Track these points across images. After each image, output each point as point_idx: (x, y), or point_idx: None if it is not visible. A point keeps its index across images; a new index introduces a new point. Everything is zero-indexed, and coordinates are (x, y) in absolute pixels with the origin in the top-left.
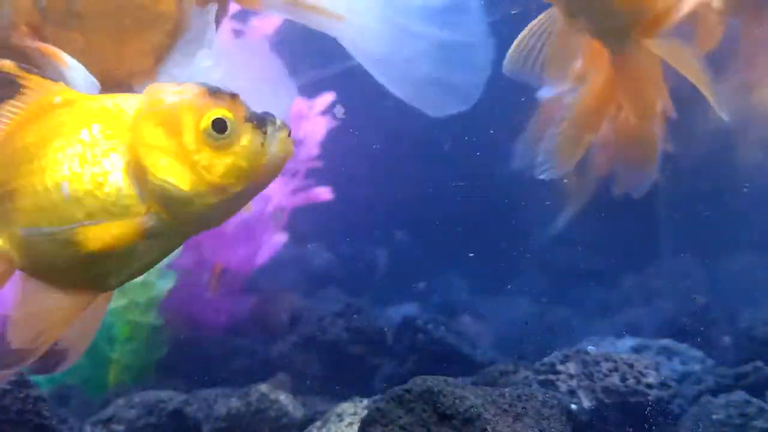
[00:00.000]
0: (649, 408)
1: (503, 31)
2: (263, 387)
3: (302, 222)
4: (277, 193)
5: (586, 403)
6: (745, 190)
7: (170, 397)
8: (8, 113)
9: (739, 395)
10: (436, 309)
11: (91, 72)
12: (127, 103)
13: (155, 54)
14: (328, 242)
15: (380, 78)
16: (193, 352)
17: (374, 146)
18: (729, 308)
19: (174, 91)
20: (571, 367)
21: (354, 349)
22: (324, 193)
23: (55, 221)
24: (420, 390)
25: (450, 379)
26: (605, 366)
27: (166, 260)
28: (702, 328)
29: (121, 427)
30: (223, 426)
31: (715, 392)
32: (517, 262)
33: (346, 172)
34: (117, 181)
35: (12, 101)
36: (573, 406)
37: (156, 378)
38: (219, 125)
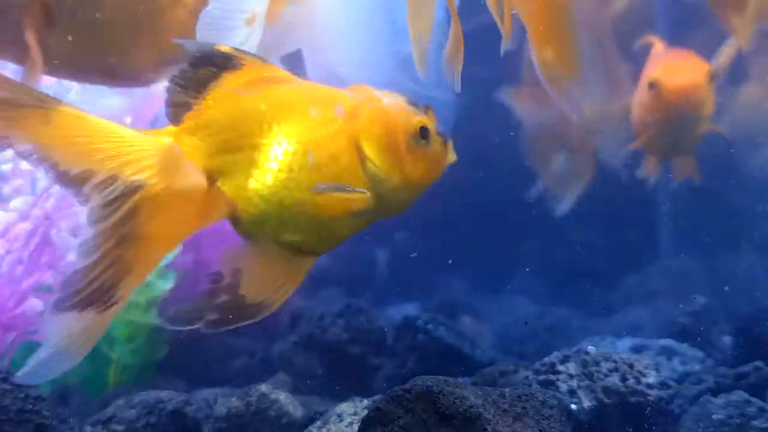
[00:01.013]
0: (649, 408)
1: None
2: (263, 387)
3: None
4: None
5: (586, 403)
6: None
7: (170, 397)
8: (231, 80)
9: (739, 395)
10: (436, 309)
11: (98, 64)
12: (335, 93)
13: (163, 54)
14: None
15: None
16: (194, 352)
17: None
18: (729, 308)
19: (385, 94)
20: (571, 367)
21: (354, 349)
22: None
23: (301, 182)
24: (420, 390)
25: (450, 379)
26: (605, 366)
27: (165, 260)
28: (702, 328)
29: (121, 427)
30: (223, 426)
31: (715, 392)
32: (517, 262)
33: None
34: (346, 161)
35: (232, 71)
36: (573, 406)
37: (156, 378)
38: (424, 132)
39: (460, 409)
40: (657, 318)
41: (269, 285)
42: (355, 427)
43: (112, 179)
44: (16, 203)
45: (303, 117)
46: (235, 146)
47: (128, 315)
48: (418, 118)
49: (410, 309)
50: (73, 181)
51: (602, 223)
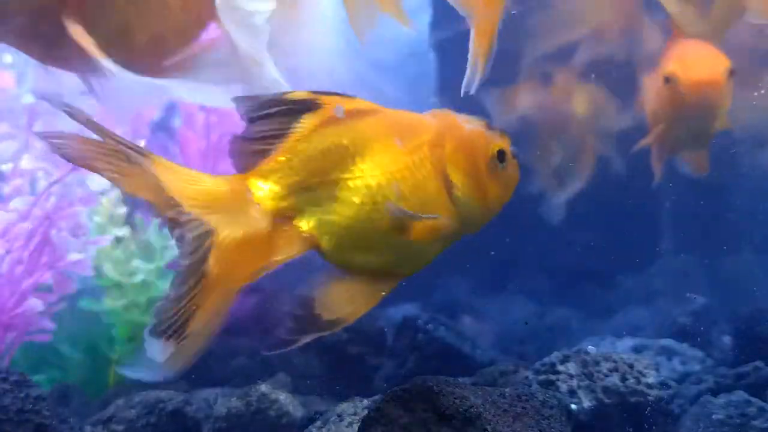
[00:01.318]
0: (649, 408)
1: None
2: (263, 387)
3: None
4: None
5: (586, 403)
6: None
7: (170, 397)
8: (310, 120)
9: (739, 395)
10: (436, 309)
11: (117, 55)
12: (420, 121)
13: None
14: None
15: None
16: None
17: None
18: (729, 308)
19: (467, 120)
20: (571, 367)
21: (354, 349)
22: None
23: (383, 213)
24: (420, 390)
25: (450, 379)
26: (605, 366)
27: (165, 260)
28: (702, 328)
29: (121, 427)
30: (223, 426)
31: (715, 392)
32: (517, 263)
33: None
34: (433, 189)
35: (311, 112)
36: (573, 406)
37: None
38: (501, 156)
39: (460, 409)
40: (657, 318)
41: (347, 305)
42: (355, 427)
43: (191, 221)
44: (16, 203)
45: (387, 148)
46: (313, 184)
47: (128, 315)
48: (496, 143)
49: (410, 309)
50: (166, 221)
51: (602, 223)
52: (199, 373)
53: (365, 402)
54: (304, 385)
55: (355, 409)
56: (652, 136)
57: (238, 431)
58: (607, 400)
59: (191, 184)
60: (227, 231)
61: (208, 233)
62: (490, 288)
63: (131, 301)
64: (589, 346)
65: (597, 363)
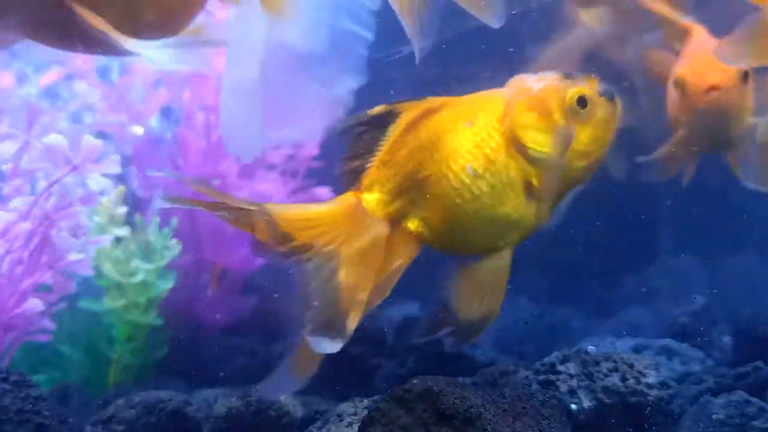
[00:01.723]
0: (649, 408)
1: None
2: None
3: None
4: (277, 193)
5: (586, 403)
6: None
7: (170, 397)
8: (393, 130)
9: (739, 395)
10: None
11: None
12: (490, 97)
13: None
14: None
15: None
16: (193, 352)
17: None
18: (729, 308)
19: (537, 79)
20: (571, 367)
21: (354, 349)
22: (324, 193)
23: (468, 196)
24: (420, 390)
25: (450, 379)
26: (605, 366)
27: (165, 260)
28: (702, 328)
29: (121, 427)
30: (223, 426)
31: (715, 392)
32: (517, 263)
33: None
34: (504, 158)
35: (393, 123)
36: (573, 406)
37: (156, 378)
38: (581, 101)
39: (460, 409)
40: (657, 318)
41: (483, 297)
42: (355, 427)
43: (311, 246)
44: (16, 203)
45: (458, 135)
46: (407, 187)
47: (128, 315)
48: (573, 90)
49: (410, 309)
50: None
51: (602, 223)
52: (199, 373)
53: (365, 402)
54: (304, 385)
55: (355, 409)
56: (675, 140)
57: (237, 431)
58: (607, 400)
59: (308, 215)
60: (352, 246)
61: (332, 252)
62: None
63: (131, 301)
64: (589, 346)
65: (597, 363)
